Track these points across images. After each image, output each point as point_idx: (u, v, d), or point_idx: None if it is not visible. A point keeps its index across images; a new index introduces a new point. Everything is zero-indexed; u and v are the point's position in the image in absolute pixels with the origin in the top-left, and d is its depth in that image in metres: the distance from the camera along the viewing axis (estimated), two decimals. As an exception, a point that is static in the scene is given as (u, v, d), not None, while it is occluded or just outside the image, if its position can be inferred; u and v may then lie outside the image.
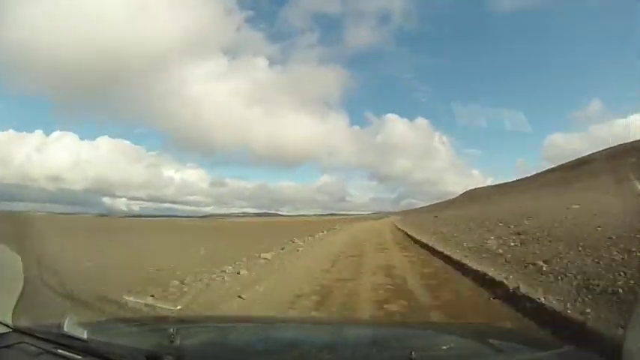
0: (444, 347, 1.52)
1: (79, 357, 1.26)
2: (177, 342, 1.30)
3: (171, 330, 1.36)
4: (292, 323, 2.52)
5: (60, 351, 1.30)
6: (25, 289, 1.98)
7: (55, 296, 3.68)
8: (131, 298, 3.77)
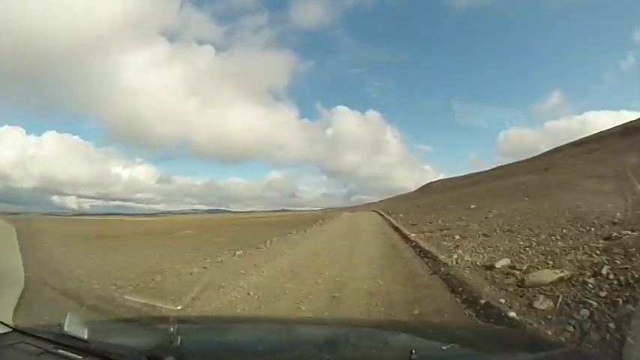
0: (444, 347, 1.52)
1: (79, 357, 1.26)
2: (178, 342, 1.30)
3: (172, 330, 1.36)
4: (292, 323, 2.52)
5: (60, 351, 1.31)
6: (26, 288, 1.98)
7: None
8: (131, 298, 3.78)
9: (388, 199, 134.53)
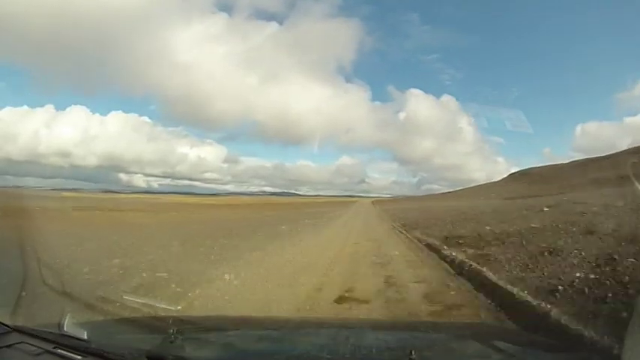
0: (444, 347, 1.52)
1: (79, 357, 1.26)
2: (178, 342, 1.30)
3: (171, 330, 1.36)
4: (292, 323, 2.52)
5: (60, 351, 1.31)
6: (25, 288, 1.98)
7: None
8: (131, 298, 3.77)
9: (462, 189, 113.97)
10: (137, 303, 3.36)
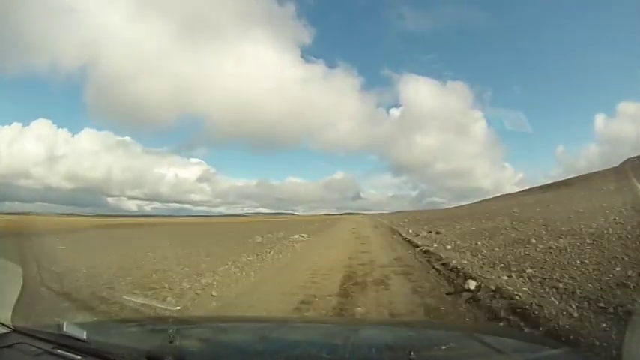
0: (444, 347, 1.52)
1: (79, 357, 1.26)
2: (177, 342, 1.30)
3: (171, 330, 1.36)
4: (292, 323, 2.52)
5: (60, 351, 1.31)
6: (25, 289, 1.98)
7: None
8: (131, 299, 3.78)
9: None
10: (137, 303, 3.37)
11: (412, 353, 1.13)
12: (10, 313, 1.57)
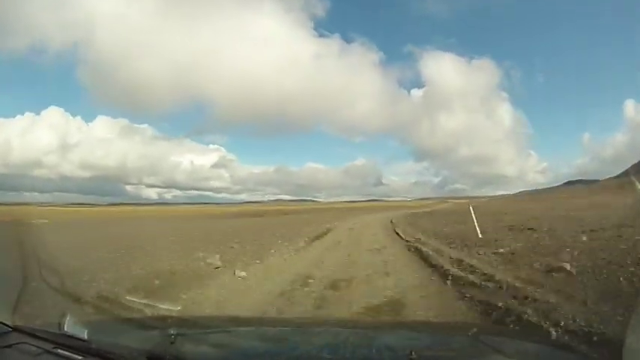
0: (444, 347, 1.52)
1: (79, 357, 1.26)
2: (178, 342, 1.30)
3: (172, 330, 1.36)
4: (292, 323, 2.52)
5: (60, 351, 1.31)
6: (25, 288, 1.98)
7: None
8: (131, 298, 3.77)
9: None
10: (137, 303, 3.37)
11: (413, 354, 1.13)
12: (10, 313, 1.57)
